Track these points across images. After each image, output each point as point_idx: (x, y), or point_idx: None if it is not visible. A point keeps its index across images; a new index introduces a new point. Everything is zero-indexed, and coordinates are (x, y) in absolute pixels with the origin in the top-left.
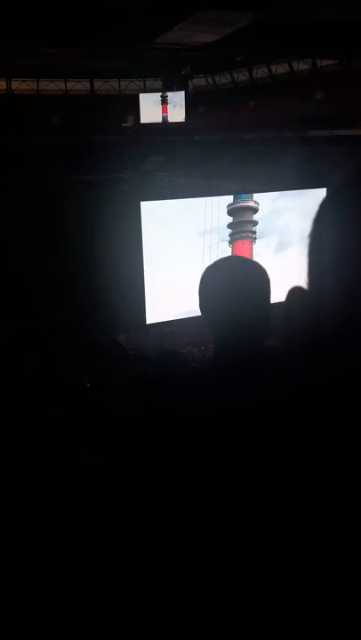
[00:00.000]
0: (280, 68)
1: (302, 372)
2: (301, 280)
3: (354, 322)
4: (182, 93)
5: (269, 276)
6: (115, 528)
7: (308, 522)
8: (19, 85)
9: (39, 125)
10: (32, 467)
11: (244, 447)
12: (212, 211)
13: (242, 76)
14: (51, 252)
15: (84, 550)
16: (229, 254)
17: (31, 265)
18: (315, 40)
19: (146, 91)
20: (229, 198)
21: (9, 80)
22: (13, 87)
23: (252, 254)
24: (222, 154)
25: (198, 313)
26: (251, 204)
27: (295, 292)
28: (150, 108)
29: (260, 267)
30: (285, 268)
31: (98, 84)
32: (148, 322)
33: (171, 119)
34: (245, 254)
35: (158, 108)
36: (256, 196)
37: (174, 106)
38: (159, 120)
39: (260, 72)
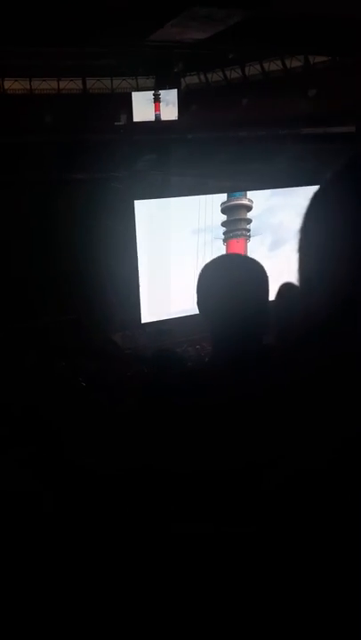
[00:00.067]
0: (273, 65)
1: (296, 367)
2: (295, 277)
3: (342, 316)
4: (175, 91)
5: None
6: (113, 527)
7: (310, 518)
8: (11, 85)
9: (32, 124)
10: (29, 466)
11: (243, 444)
12: (205, 209)
13: (234, 74)
14: (45, 251)
15: (82, 549)
16: (224, 252)
17: (25, 264)
18: (307, 36)
19: (138, 89)
20: (223, 196)
21: (1, 79)
22: (6, 87)
23: (246, 252)
24: (215, 152)
25: (193, 312)
26: (245, 201)
27: (285, 289)
28: (143, 107)
29: (258, 264)
30: (279, 265)
31: (90, 82)
32: (143, 321)
33: (163, 117)
34: (240, 252)
35: (151, 106)
36: (250, 194)
37: (167, 104)
38: (152, 118)
39: (253, 69)
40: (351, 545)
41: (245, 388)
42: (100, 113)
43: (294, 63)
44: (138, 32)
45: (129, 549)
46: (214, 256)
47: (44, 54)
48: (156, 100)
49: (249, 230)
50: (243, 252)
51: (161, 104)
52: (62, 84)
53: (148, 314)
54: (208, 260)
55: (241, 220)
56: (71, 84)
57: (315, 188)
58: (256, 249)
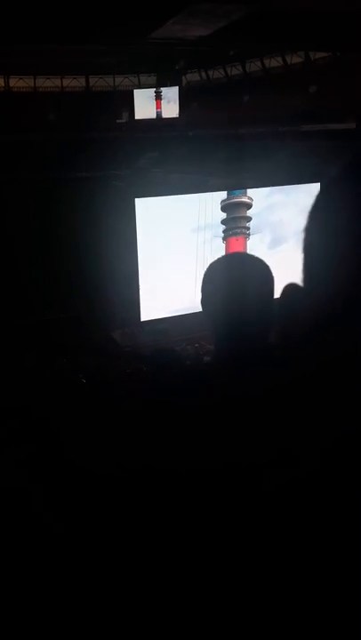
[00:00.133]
0: (273, 62)
1: (298, 366)
2: (295, 275)
3: (345, 315)
4: (176, 89)
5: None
6: (113, 527)
7: (311, 518)
8: (16, 82)
9: (36, 122)
10: (28, 465)
11: (245, 443)
12: (205, 207)
13: (235, 71)
14: (46, 248)
15: (82, 550)
16: (223, 250)
17: (27, 261)
18: (308, 32)
19: (140, 86)
20: (223, 194)
21: (7, 77)
22: (10, 84)
23: (245, 250)
24: (216, 149)
25: (192, 310)
26: (245, 199)
27: (289, 289)
28: (144, 104)
29: (263, 263)
30: (279, 263)
31: (93, 80)
32: (142, 319)
33: (165, 115)
34: (239, 250)
35: (152, 103)
36: (250, 192)
37: (168, 101)
38: (153, 116)
39: (254, 66)
40: (351, 544)
41: (247, 387)
42: (103, 110)
43: (295, 59)
44: (140, 30)
45: (129, 550)
46: (214, 254)
47: (47, 52)
48: (158, 97)
49: (249, 228)
50: (242, 250)
51: (162, 101)
52: (65, 82)
53: (148, 312)
54: (208, 257)
55: (241, 217)
56: (74, 82)
57: (315, 185)
58: (256, 247)
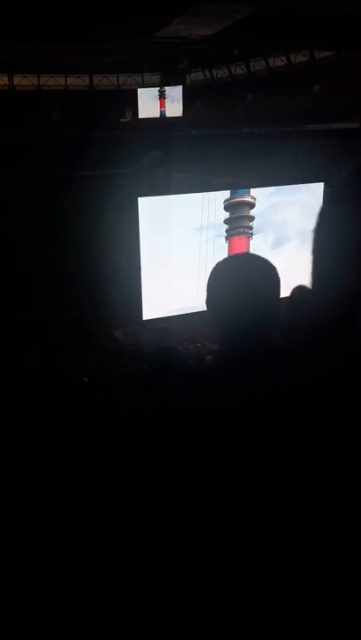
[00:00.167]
0: (278, 61)
1: (303, 367)
2: (298, 275)
3: (353, 316)
4: (180, 88)
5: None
6: (114, 528)
7: (313, 518)
8: (20, 81)
9: (40, 121)
10: (31, 463)
11: (249, 444)
12: (208, 206)
13: (239, 70)
14: (49, 246)
15: (83, 551)
16: (226, 250)
17: (29, 259)
18: (313, 31)
19: (144, 85)
20: (226, 194)
21: (11, 76)
22: (15, 83)
23: (248, 250)
24: (219, 149)
25: (195, 309)
26: (248, 199)
27: (297, 291)
28: (148, 103)
29: (270, 264)
30: (282, 263)
31: (97, 79)
32: (144, 317)
33: (168, 114)
34: (242, 250)
35: (156, 102)
36: (253, 192)
37: (172, 100)
38: (157, 115)
39: (258, 65)
40: (353, 544)
41: (250, 387)
42: (106, 109)
43: (299, 59)
44: (145, 29)
45: (131, 550)
46: (216, 253)
47: (51, 51)
48: (162, 96)
49: (252, 228)
50: (245, 250)
51: (166, 100)
52: (69, 81)
53: (150, 311)
54: (210, 257)
55: (244, 217)
56: (78, 81)
57: (318, 185)
58: (259, 246)
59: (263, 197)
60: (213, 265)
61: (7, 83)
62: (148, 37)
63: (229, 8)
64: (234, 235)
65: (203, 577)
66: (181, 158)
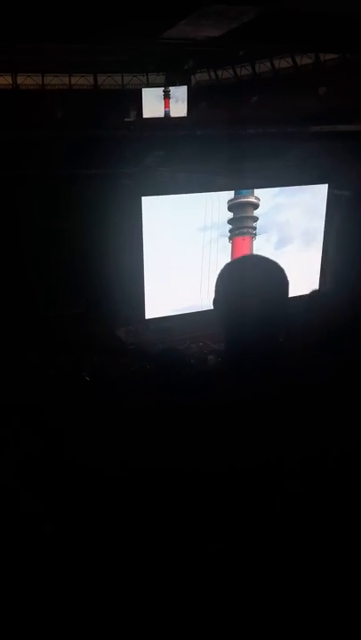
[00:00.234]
0: (283, 63)
1: (310, 369)
2: (301, 275)
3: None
4: (185, 88)
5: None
6: (117, 528)
7: (313, 519)
8: (24, 80)
9: (43, 120)
10: (32, 463)
11: (252, 444)
12: (212, 206)
13: (244, 71)
14: (52, 244)
15: (86, 549)
16: (229, 250)
17: (32, 257)
18: (318, 34)
19: (149, 85)
20: (230, 194)
21: (14, 75)
22: (19, 82)
23: (252, 250)
24: (224, 149)
25: (197, 309)
26: (252, 199)
27: (313, 294)
28: (153, 103)
29: (278, 266)
30: (285, 263)
31: (101, 78)
32: (147, 317)
33: (173, 114)
34: (245, 250)
35: (161, 102)
36: (257, 192)
37: (176, 100)
38: (161, 115)
39: (263, 67)
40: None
41: (255, 388)
42: (111, 109)
43: (305, 60)
44: (152, 30)
45: (132, 549)
46: (220, 253)
47: (56, 50)
48: (166, 96)
49: (255, 228)
50: (248, 250)
51: (171, 100)
52: (73, 80)
53: (152, 310)
54: (213, 257)
55: (247, 217)
56: (82, 80)
57: (323, 186)
58: (262, 247)
59: (267, 198)
60: (216, 264)
61: (11, 82)
62: (155, 38)
63: (237, 10)
64: (237, 235)
65: (203, 576)
66: (186, 158)
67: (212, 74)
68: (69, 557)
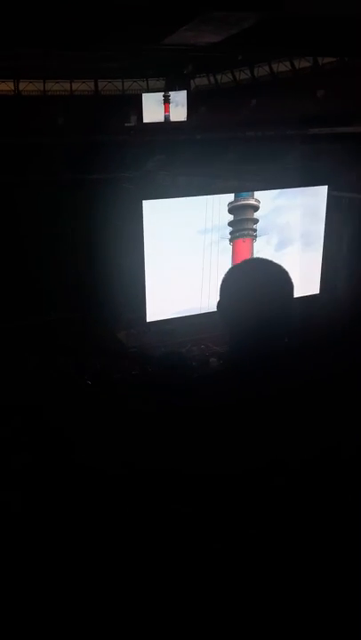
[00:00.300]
0: (281, 66)
1: (312, 371)
2: (301, 277)
3: None
4: (184, 93)
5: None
6: (121, 532)
7: (314, 521)
8: (26, 86)
9: (45, 125)
10: (34, 465)
11: (256, 445)
12: (212, 209)
13: (243, 75)
14: (54, 248)
15: (89, 549)
16: (230, 252)
17: (34, 261)
18: (316, 38)
19: (149, 90)
20: (230, 196)
21: (16, 81)
22: (20, 88)
23: (252, 252)
24: (224, 152)
25: (198, 311)
26: (252, 202)
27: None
28: (153, 108)
29: (282, 269)
30: (286, 265)
31: (102, 84)
32: (148, 320)
33: (173, 118)
34: (246, 252)
35: (161, 107)
36: (257, 194)
37: (176, 105)
38: (161, 119)
39: (262, 70)
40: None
41: (258, 390)
42: (111, 114)
43: (303, 64)
44: (152, 36)
45: (133, 550)
46: (220, 255)
47: (57, 57)
48: (166, 101)
49: (255, 230)
50: (249, 252)
51: (171, 105)
52: (75, 86)
53: (153, 313)
54: (214, 259)
55: (248, 219)
56: (83, 86)
57: (323, 188)
58: (262, 249)
59: (267, 200)
60: (217, 267)
61: (13, 88)
62: (155, 44)
63: (237, 16)
64: (238, 237)
65: (203, 576)
66: (186, 162)
67: (212, 78)
68: (70, 558)
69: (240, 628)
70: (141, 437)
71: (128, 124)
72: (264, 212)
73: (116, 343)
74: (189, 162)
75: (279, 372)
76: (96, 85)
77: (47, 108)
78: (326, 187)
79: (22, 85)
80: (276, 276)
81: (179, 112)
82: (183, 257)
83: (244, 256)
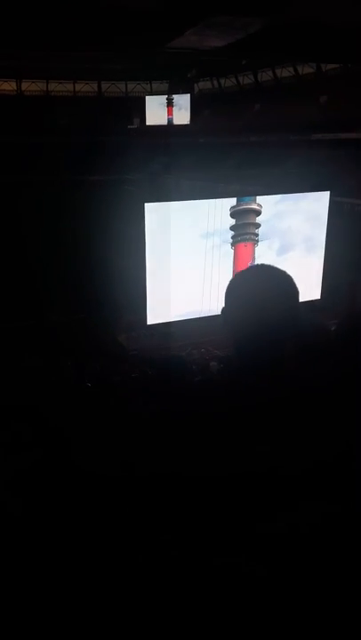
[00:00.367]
0: (285, 72)
1: (318, 373)
2: (302, 282)
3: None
4: (188, 96)
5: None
6: (123, 535)
7: (320, 516)
8: (28, 86)
9: (48, 126)
10: (34, 468)
11: (255, 449)
12: (215, 213)
13: (247, 80)
14: (56, 250)
15: (87, 553)
16: (232, 256)
17: (36, 263)
18: (320, 44)
19: (152, 93)
20: (232, 201)
21: (19, 81)
22: (23, 88)
23: (254, 257)
24: (226, 157)
25: (199, 315)
26: (254, 206)
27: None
28: (156, 111)
29: (288, 275)
30: (287, 270)
31: (105, 85)
32: (149, 323)
33: (176, 121)
34: (247, 256)
35: (164, 110)
36: (259, 199)
37: (179, 108)
38: (164, 122)
39: (265, 75)
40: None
41: (263, 395)
42: (114, 116)
43: (306, 70)
44: (158, 40)
45: (132, 554)
46: (222, 260)
47: (61, 58)
48: (169, 104)
49: (257, 235)
50: (250, 257)
51: (174, 108)
52: (78, 87)
53: (154, 315)
54: (215, 263)
55: (250, 224)
56: (86, 87)
57: (324, 193)
58: (264, 253)
59: (269, 205)
60: (219, 270)
61: (15, 88)
62: (161, 48)
63: (242, 21)
64: (240, 241)
65: (203, 576)
66: (188, 165)
67: (215, 82)
68: (69, 560)
69: (240, 628)
70: (141, 441)
71: (131, 127)
72: (266, 216)
73: (117, 346)
74: (192, 166)
75: (282, 378)
76: (99, 87)
77: (50, 109)
78: (328, 192)
79: (25, 85)
80: (281, 283)
81: (182, 115)
82: (184, 260)
83: (245, 260)
